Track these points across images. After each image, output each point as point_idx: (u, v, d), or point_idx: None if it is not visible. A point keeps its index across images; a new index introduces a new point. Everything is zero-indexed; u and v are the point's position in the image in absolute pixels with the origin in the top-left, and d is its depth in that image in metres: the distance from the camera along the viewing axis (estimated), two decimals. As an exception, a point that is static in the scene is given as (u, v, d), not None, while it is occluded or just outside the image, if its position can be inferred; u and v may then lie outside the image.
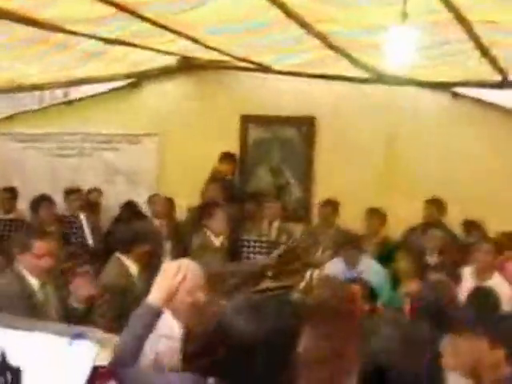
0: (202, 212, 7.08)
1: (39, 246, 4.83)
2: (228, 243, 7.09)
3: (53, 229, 7.21)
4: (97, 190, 9.46)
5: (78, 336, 2.24)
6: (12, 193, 9.06)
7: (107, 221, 9.07)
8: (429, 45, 5.82)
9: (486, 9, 4.70)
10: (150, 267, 5.19)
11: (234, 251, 7.30)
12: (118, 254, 5.67)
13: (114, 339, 2.83)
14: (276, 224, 8.35)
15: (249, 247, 7.42)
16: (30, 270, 4.82)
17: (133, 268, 5.61)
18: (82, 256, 7.23)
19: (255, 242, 7.46)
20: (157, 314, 2.97)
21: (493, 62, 6.65)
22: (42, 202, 7.82)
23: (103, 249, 7.44)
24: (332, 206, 8.55)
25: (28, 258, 4.81)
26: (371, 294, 5.45)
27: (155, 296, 2.98)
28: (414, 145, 8.83)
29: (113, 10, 5.15)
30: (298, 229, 8.80)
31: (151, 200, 8.88)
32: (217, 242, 6.87)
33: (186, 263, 3.28)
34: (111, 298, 5.29)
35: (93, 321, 4.78)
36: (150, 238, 6.06)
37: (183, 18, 5.50)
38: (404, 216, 8.26)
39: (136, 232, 5.89)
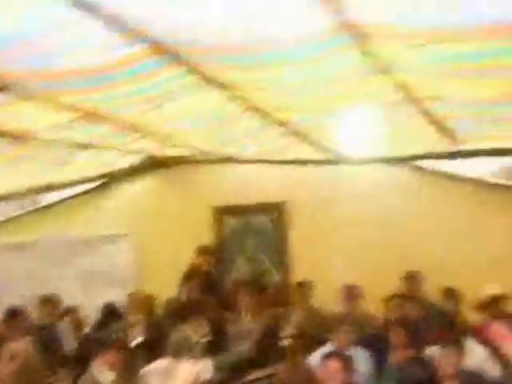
0: (181, 311, 6.95)
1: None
2: (212, 336, 6.91)
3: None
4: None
5: None
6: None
7: (88, 324, 8.85)
8: (385, 123, 5.93)
9: (433, 86, 4.82)
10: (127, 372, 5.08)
11: (218, 343, 7.11)
12: (92, 363, 5.53)
13: None
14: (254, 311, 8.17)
15: (233, 339, 7.25)
16: None
17: (104, 376, 5.42)
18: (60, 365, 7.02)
19: (238, 332, 7.29)
20: None
21: (448, 134, 6.79)
22: (13, 315, 7.63)
23: (80, 355, 7.22)
24: (305, 287, 8.46)
25: None
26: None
27: None
28: (384, 221, 8.85)
29: (77, 114, 5.17)
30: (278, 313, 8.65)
31: (129, 297, 8.69)
32: (195, 337, 6.69)
33: (201, 365, 3.14)
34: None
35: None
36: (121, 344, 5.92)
37: (145, 118, 5.55)
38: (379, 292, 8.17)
39: (106, 339, 5.77)
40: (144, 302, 8.52)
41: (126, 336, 7.04)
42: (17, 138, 5.83)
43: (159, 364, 3.69)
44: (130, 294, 8.81)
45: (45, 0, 2.83)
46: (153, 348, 7.06)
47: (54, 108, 4.86)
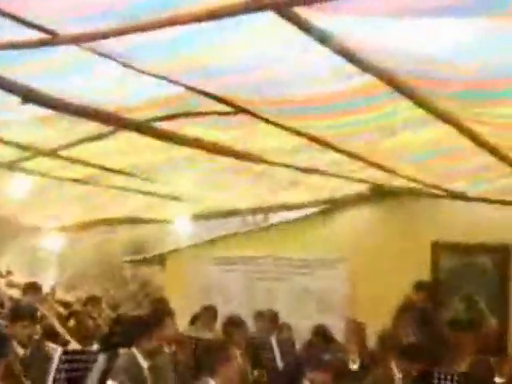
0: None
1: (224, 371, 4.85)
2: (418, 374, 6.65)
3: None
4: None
5: None
6: (213, 312, 9.26)
7: (298, 344, 8.98)
8: None
9: None
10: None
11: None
12: (304, 382, 5.57)
13: None
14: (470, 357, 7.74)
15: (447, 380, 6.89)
16: None
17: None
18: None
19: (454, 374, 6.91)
20: None
21: None
22: (235, 325, 7.85)
23: (292, 372, 7.31)
24: None
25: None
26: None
27: None
28: None
29: (306, 141, 5.27)
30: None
31: (347, 324, 8.64)
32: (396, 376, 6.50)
33: None
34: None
35: None
36: (329, 364, 5.90)
37: (373, 148, 5.51)
38: None
39: (318, 357, 5.77)
40: (360, 331, 8.42)
41: (340, 359, 6.98)
42: (249, 159, 6.07)
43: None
44: (348, 321, 8.75)
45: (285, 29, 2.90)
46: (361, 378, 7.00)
47: (285, 134, 4.99)
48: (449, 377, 6.68)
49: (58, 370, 5.35)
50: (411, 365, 6.46)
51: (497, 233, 8.84)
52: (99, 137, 5.18)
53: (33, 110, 3.96)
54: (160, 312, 7.57)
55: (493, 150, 5.42)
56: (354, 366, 7.28)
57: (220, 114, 4.35)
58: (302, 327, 9.17)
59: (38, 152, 5.76)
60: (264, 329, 8.60)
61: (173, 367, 6.47)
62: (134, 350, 5.98)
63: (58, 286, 11.88)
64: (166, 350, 6.88)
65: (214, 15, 2.56)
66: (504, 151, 5.48)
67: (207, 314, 9.00)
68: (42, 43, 3.04)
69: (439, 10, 2.61)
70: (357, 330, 8.33)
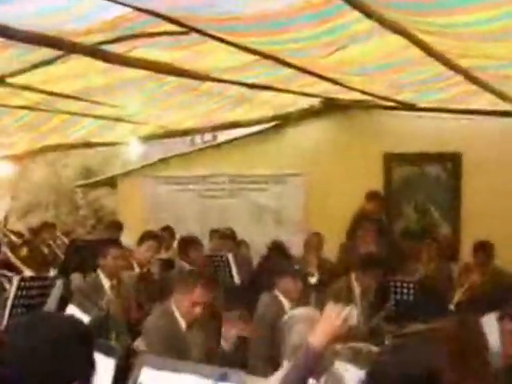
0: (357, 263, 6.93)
1: (200, 294, 4.94)
2: (376, 286, 6.86)
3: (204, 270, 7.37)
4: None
5: (223, 378, 2.26)
6: (170, 232, 9.41)
7: (254, 260, 9.18)
8: None
9: None
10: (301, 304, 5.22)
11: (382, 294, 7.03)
12: (275, 292, 5.76)
13: (259, 382, 2.84)
14: (432, 265, 8.01)
15: (406, 288, 7.02)
16: (183, 313, 4.96)
17: (286, 305, 5.66)
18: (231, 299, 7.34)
19: (409, 283, 7.09)
20: (316, 355, 2.96)
21: None
22: (191, 243, 7.99)
23: (251, 287, 7.52)
24: (486, 249, 7.89)
25: (184, 302, 4.94)
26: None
27: (318, 340, 2.97)
28: None
29: (257, 57, 5.28)
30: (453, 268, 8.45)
31: (308, 238, 8.83)
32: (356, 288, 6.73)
33: (347, 311, 3.19)
34: (265, 337, 5.35)
35: (242, 363, 4.81)
36: (298, 274, 6.10)
37: (325, 62, 5.54)
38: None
39: (285, 267, 5.96)
40: (319, 244, 8.63)
41: (302, 270, 7.15)
42: (198, 77, 6.06)
43: (305, 310, 3.78)
44: (308, 234, 8.94)
45: None
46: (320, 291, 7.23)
47: (235, 50, 4.99)
48: (405, 285, 6.91)
49: (16, 297, 5.42)
50: (370, 275, 6.66)
51: (448, 142, 9.05)
52: (47, 62, 5.10)
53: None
54: (116, 234, 7.67)
55: (442, 59, 5.50)
56: (313, 280, 7.50)
57: (170, 33, 4.32)
58: (258, 243, 9.36)
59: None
60: (220, 246, 8.76)
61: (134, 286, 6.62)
62: (98, 270, 6.12)
63: (9, 215, 11.84)
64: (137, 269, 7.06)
65: None
66: (453, 60, 5.57)
67: (165, 235, 9.14)
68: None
69: None
70: (315, 242, 8.56)
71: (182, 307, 4.94)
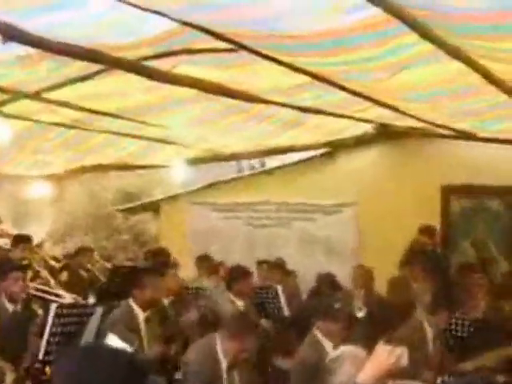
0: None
1: (249, 341, 5.00)
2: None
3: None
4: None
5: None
6: (209, 261, 9.33)
7: (303, 291, 9.07)
8: None
9: None
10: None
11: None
12: (315, 332, 5.64)
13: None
14: (487, 303, 7.79)
15: (462, 326, 6.92)
16: (228, 354, 5.00)
17: (328, 346, 5.53)
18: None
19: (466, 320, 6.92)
20: None
21: None
22: (240, 274, 7.90)
23: (298, 320, 7.41)
24: None
25: (232, 345, 5.01)
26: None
27: (366, 377, 2.90)
28: None
29: (309, 79, 5.22)
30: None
31: (356, 270, 8.72)
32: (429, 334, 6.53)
33: (400, 350, 3.09)
34: (304, 374, 5.27)
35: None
36: (339, 314, 5.96)
37: (380, 86, 5.47)
38: None
39: (325, 308, 5.84)
40: (368, 277, 8.50)
41: (349, 308, 7.02)
42: (248, 98, 6.02)
43: (350, 349, 3.68)
44: (356, 267, 8.81)
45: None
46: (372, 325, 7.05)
47: (286, 72, 4.94)
48: (465, 323, 6.76)
49: (54, 325, 5.41)
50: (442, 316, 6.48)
51: (508, 175, 8.85)
52: (87, 77, 5.10)
53: (14, 48, 3.90)
54: (162, 263, 7.64)
55: (504, 88, 5.38)
56: (360, 314, 7.36)
57: (217, 51, 4.30)
58: (307, 275, 9.25)
59: (20, 95, 5.68)
60: (269, 277, 8.68)
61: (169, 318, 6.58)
62: (131, 301, 6.06)
63: (46, 239, 11.94)
64: (165, 300, 6.99)
65: None
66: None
67: (201, 264, 9.09)
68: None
69: None
70: (364, 275, 8.42)
71: (229, 350, 5.01)
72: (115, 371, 1.98)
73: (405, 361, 3.09)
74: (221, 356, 4.98)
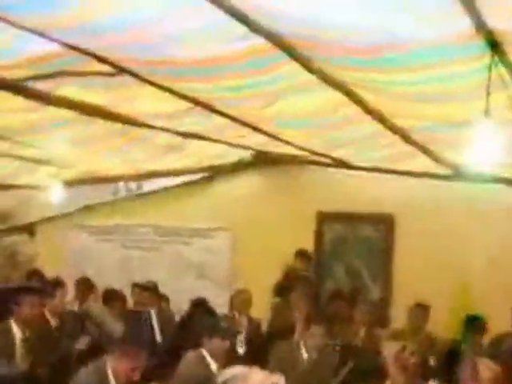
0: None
1: (139, 359, 4.95)
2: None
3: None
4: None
5: None
6: (86, 284, 9.19)
7: (176, 315, 9.06)
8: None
9: None
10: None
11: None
12: (201, 351, 5.67)
13: None
14: (362, 330, 8.02)
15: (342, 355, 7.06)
16: (119, 375, 4.94)
17: (213, 366, 5.58)
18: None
19: (344, 348, 7.03)
20: None
21: None
22: (115, 296, 7.84)
23: (172, 346, 7.40)
24: (423, 309, 8.09)
25: (121, 365, 4.93)
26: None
27: None
28: (497, 246, 8.56)
29: (189, 104, 5.29)
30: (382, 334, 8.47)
31: (236, 295, 8.74)
32: (305, 354, 6.64)
33: (276, 377, 3.11)
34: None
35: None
36: (227, 334, 6.03)
37: (258, 113, 5.60)
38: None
39: (213, 327, 5.89)
40: (248, 302, 8.55)
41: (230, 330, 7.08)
42: (128, 122, 6.02)
43: (239, 370, 3.70)
44: (237, 292, 8.86)
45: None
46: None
47: (167, 97, 4.99)
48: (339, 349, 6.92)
49: None
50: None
51: (382, 203, 9.18)
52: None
53: None
54: (51, 282, 7.48)
55: (379, 118, 5.63)
56: (240, 338, 7.47)
57: (100, 74, 4.29)
58: (180, 298, 9.23)
59: None
60: (142, 300, 8.62)
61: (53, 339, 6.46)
62: (11, 320, 5.92)
63: None
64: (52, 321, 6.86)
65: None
66: (390, 119, 5.70)
67: (80, 286, 8.95)
68: None
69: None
70: (245, 300, 8.49)
71: (120, 370, 4.89)
72: None
73: None
74: (111, 377, 4.87)
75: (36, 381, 5.85)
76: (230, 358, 5.86)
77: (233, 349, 7.13)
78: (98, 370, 4.91)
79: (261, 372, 3.09)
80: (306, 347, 6.59)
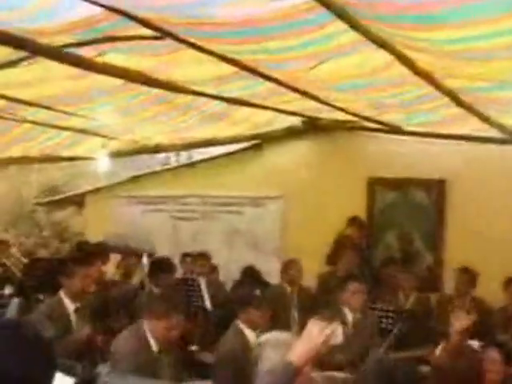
0: (339, 287, 6.95)
1: (178, 319, 5.12)
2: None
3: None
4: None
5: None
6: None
7: (226, 284, 9.14)
8: None
9: None
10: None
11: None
12: (237, 322, 5.70)
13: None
14: (412, 295, 8.05)
15: (387, 318, 7.17)
16: (157, 337, 5.09)
17: (251, 336, 5.60)
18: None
19: (393, 312, 7.19)
20: (296, 373, 2.92)
21: None
22: (163, 266, 7.92)
23: (221, 314, 7.48)
24: (469, 275, 8.09)
25: (159, 326, 5.07)
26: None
27: (297, 355, 2.93)
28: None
29: (233, 69, 5.25)
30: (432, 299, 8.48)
31: (287, 265, 8.74)
32: (349, 317, 6.74)
33: (333, 327, 3.12)
34: (228, 368, 5.33)
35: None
36: (272, 304, 6.06)
37: (307, 76, 5.54)
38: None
39: (257, 297, 5.90)
40: (299, 272, 8.56)
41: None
42: (173, 89, 6.02)
43: (272, 335, 3.72)
44: (288, 261, 8.87)
45: None
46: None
47: (211, 61, 4.96)
48: (390, 314, 7.02)
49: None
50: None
51: (433, 168, 9.08)
52: (6, 65, 5.02)
53: None
54: (87, 252, 7.64)
55: (428, 79, 5.52)
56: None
57: (145, 38, 4.28)
58: (231, 268, 9.31)
59: None
60: (192, 270, 8.72)
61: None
62: (61, 292, 6.04)
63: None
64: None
65: None
66: (439, 80, 5.59)
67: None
68: None
69: None
70: (294, 269, 8.50)
71: (157, 331, 5.05)
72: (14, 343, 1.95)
73: (339, 338, 3.12)
74: (150, 338, 5.03)
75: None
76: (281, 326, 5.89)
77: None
78: (137, 333, 5.08)
79: (319, 322, 3.10)
80: (349, 308, 6.70)
